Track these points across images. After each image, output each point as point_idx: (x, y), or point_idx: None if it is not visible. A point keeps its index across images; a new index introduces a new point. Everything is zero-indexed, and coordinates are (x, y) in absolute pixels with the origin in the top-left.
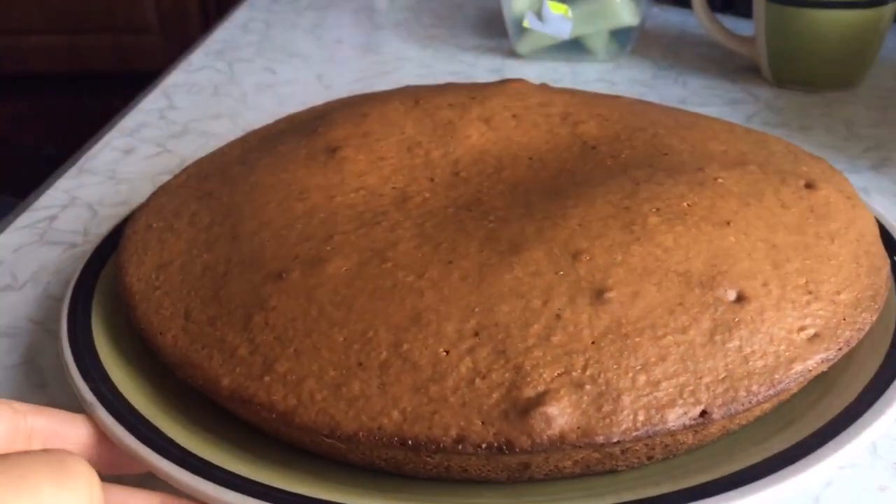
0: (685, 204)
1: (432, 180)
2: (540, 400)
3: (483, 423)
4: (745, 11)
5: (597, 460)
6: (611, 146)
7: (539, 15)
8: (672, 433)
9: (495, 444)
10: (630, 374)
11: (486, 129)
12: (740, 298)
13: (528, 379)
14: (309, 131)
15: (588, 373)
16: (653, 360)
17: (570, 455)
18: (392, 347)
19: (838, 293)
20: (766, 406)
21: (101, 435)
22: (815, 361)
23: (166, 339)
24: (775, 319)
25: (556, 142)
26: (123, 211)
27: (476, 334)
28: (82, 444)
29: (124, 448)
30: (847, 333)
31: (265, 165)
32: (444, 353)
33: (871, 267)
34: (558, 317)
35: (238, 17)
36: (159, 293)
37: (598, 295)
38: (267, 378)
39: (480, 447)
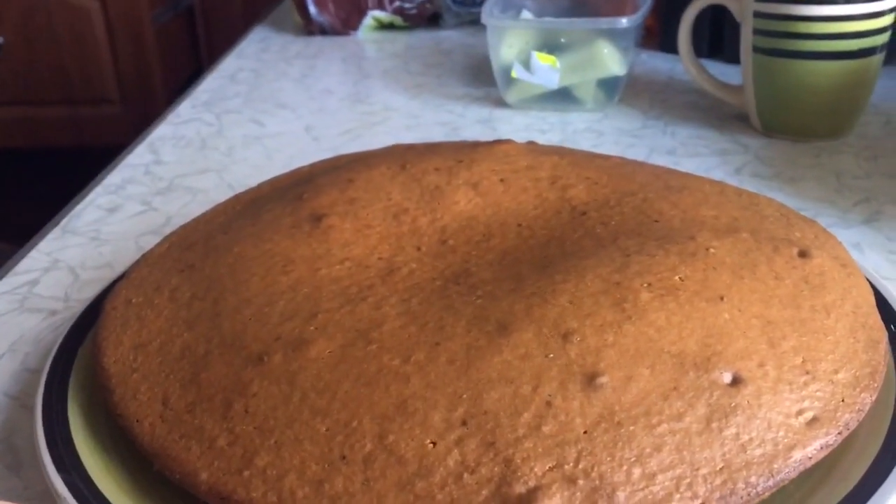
0: (677, 278)
1: (419, 249)
2: (531, 497)
3: None
4: (733, 57)
5: None
6: (600, 212)
7: (527, 65)
8: None
9: None
10: (625, 467)
11: (474, 195)
12: (736, 381)
13: (519, 473)
14: (294, 197)
15: (581, 466)
16: (648, 450)
17: None
18: (377, 439)
19: (836, 372)
20: (766, 495)
21: None
22: (814, 448)
23: (143, 427)
24: (773, 403)
25: (545, 207)
26: (106, 274)
27: (464, 423)
28: None
29: None
30: (846, 416)
31: (248, 235)
32: (431, 445)
33: (869, 341)
34: (549, 404)
35: (226, 66)
36: (137, 376)
37: (590, 380)
38: (246, 472)
39: None
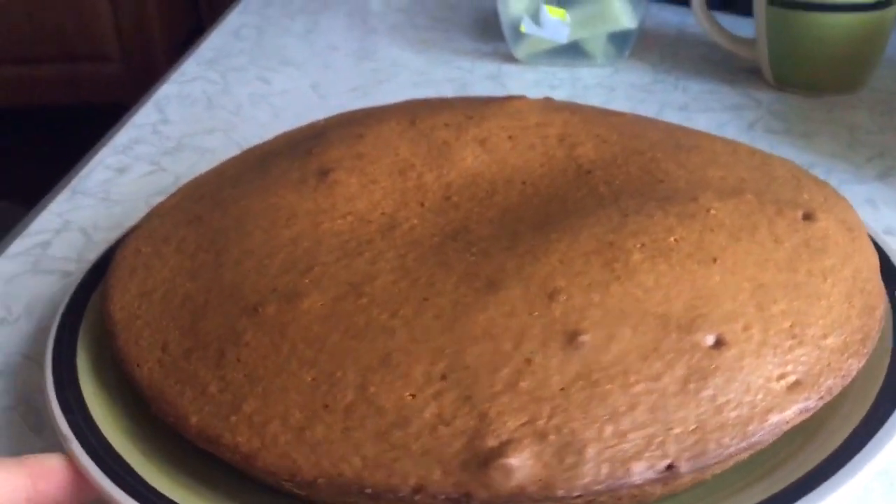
0: (672, 239)
1: (423, 205)
2: (501, 450)
3: (443, 472)
4: (746, 10)
5: None
6: (606, 171)
7: (536, 19)
8: (637, 486)
9: (454, 496)
10: (597, 424)
11: (481, 152)
12: (719, 343)
13: (492, 427)
14: (304, 151)
15: (553, 422)
16: (622, 409)
17: None
18: (359, 390)
19: (825, 337)
20: (742, 456)
21: (77, 471)
22: (792, 412)
23: (143, 372)
24: (754, 366)
25: (551, 165)
26: (117, 235)
27: (444, 378)
28: (61, 484)
29: (96, 485)
30: (830, 381)
31: (256, 188)
32: (410, 398)
33: (865, 307)
34: (528, 361)
35: (230, 22)
36: (140, 323)
37: (572, 338)
38: (234, 418)
39: (438, 498)
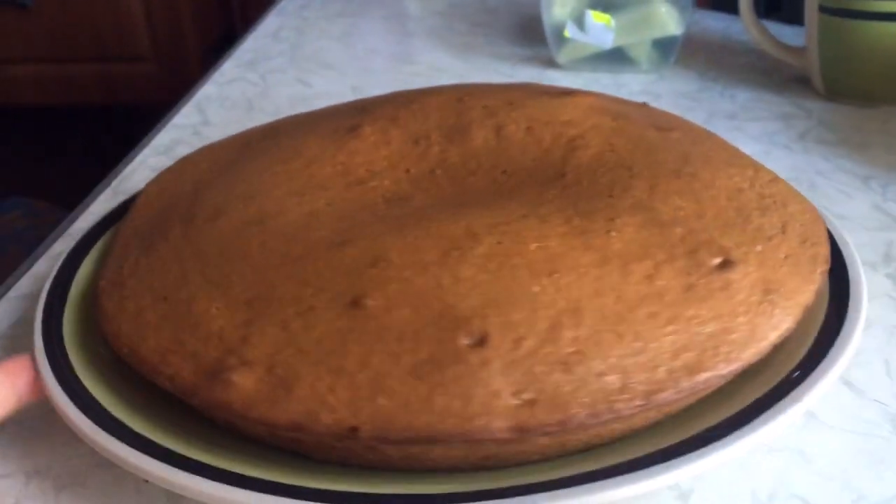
0: (534, 246)
1: (407, 172)
2: (233, 368)
3: (192, 371)
4: (791, 17)
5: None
6: (577, 176)
7: (580, 24)
8: (320, 436)
9: (188, 389)
10: (320, 369)
11: (493, 138)
12: (476, 345)
13: (243, 349)
14: (360, 108)
15: (290, 360)
16: (351, 367)
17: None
18: (188, 300)
19: (602, 375)
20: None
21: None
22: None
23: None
24: (495, 375)
25: (540, 161)
26: None
27: (248, 303)
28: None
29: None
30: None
31: (295, 134)
32: (216, 310)
33: (684, 368)
34: (311, 308)
35: (268, 24)
36: (120, 247)
37: (357, 301)
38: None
39: (186, 392)
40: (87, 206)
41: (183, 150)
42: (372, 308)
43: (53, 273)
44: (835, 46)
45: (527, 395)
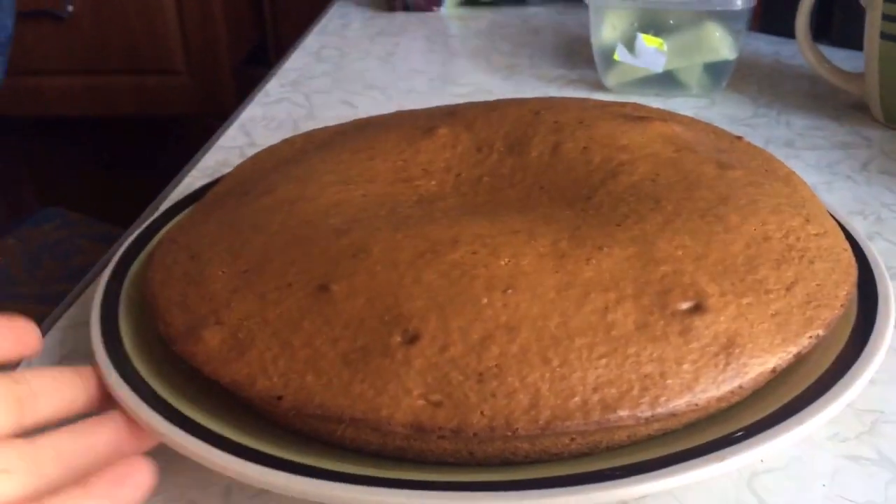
0: (504, 261)
1: (458, 176)
2: (207, 327)
3: (179, 323)
4: (841, 41)
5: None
6: (603, 202)
7: (631, 47)
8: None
9: (176, 341)
10: (273, 343)
11: (548, 154)
12: (408, 343)
13: (223, 313)
14: (447, 112)
15: (253, 328)
16: (297, 343)
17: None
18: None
19: (514, 393)
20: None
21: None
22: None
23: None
24: (410, 373)
25: (580, 181)
26: None
27: (244, 273)
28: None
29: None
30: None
31: (376, 128)
32: (221, 273)
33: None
34: (289, 285)
35: (309, 43)
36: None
37: (325, 285)
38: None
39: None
40: (130, 235)
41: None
42: (335, 293)
43: (108, 273)
44: None
45: (434, 398)
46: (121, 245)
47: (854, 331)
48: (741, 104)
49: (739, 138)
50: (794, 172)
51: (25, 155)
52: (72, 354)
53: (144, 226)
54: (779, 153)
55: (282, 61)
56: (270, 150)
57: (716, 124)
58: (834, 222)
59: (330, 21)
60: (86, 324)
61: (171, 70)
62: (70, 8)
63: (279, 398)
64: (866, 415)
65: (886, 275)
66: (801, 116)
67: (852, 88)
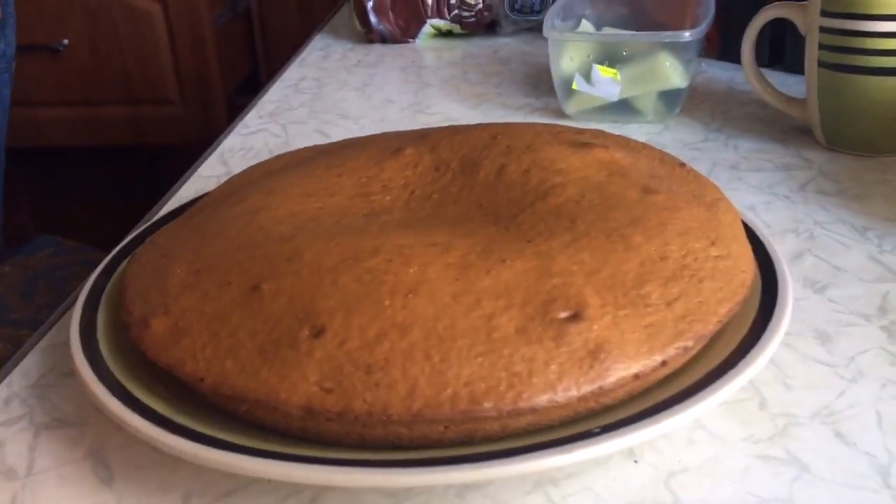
0: (413, 269)
1: (412, 193)
2: (155, 316)
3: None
4: (794, 67)
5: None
6: (525, 220)
7: (588, 77)
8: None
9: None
10: (205, 332)
11: (493, 174)
12: (314, 336)
13: (171, 303)
14: (419, 136)
15: (191, 318)
16: (224, 334)
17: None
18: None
19: (394, 384)
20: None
21: None
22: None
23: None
24: (311, 363)
25: (514, 201)
26: None
27: (198, 272)
28: None
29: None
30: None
31: (344, 154)
32: (179, 272)
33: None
34: (228, 283)
35: (290, 75)
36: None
37: (257, 285)
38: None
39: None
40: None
41: None
42: (264, 291)
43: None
44: (834, 99)
45: (326, 385)
46: (95, 271)
47: (740, 344)
48: (693, 129)
49: (683, 165)
50: (724, 198)
51: (22, 184)
52: (49, 374)
53: (116, 250)
54: (724, 175)
55: (262, 93)
56: (259, 165)
57: (667, 149)
58: (745, 246)
59: (310, 53)
60: (63, 345)
61: (164, 100)
62: (65, 41)
63: (201, 380)
64: (780, 418)
65: (790, 299)
66: (748, 140)
67: (796, 113)
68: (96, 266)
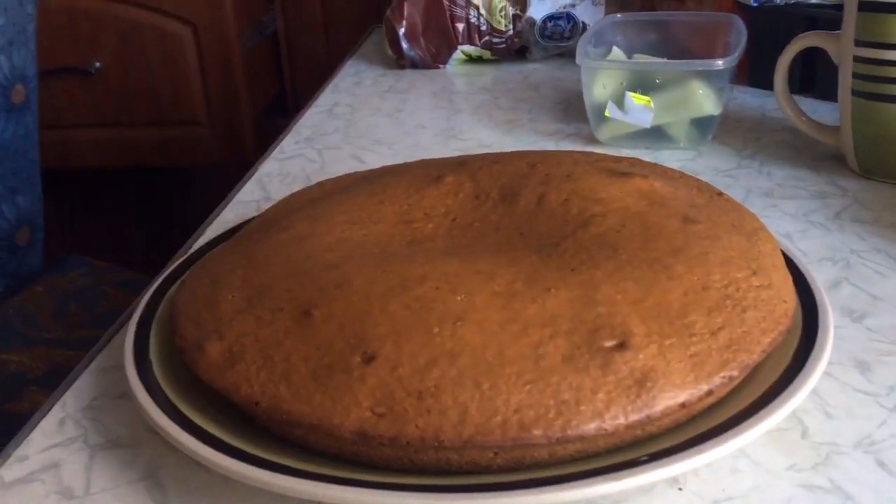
0: (461, 297)
1: (454, 220)
2: (211, 341)
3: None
4: (825, 94)
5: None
6: (567, 249)
7: (620, 105)
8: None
9: (186, 352)
10: (259, 357)
11: (533, 203)
12: (365, 362)
13: (225, 329)
14: (457, 163)
15: (245, 343)
16: (278, 358)
17: None
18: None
19: (446, 410)
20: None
21: None
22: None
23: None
24: (363, 388)
25: (555, 230)
26: None
27: (249, 299)
28: None
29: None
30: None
31: (392, 175)
32: (230, 297)
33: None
34: (280, 309)
35: (323, 100)
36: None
37: (308, 311)
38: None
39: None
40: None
41: None
42: (315, 317)
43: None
44: (868, 127)
45: (379, 410)
46: (145, 294)
47: (783, 373)
48: (726, 156)
49: (720, 194)
50: (763, 228)
51: (53, 205)
52: (101, 396)
53: (165, 274)
54: (759, 202)
55: (297, 118)
56: (302, 192)
57: (701, 176)
58: (786, 276)
59: (342, 80)
60: (114, 367)
61: (193, 122)
62: (98, 64)
63: (256, 403)
64: (822, 447)
65: (831, 329)
66: (782, 167)
67: (829, 140)
68: (127, 287)
